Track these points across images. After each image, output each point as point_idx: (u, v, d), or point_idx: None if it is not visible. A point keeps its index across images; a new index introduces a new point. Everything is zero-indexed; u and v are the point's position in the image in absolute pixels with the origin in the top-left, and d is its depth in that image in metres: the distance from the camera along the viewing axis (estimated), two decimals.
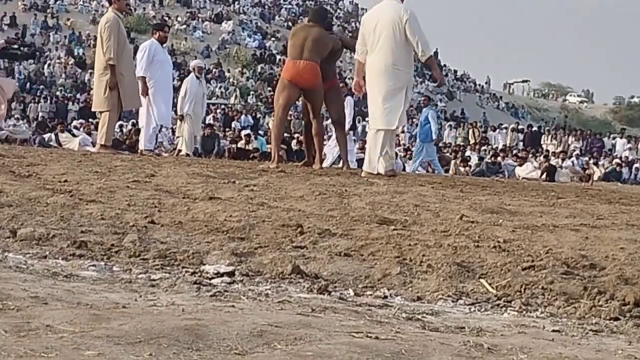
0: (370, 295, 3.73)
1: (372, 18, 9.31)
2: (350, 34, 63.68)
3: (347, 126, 16.57)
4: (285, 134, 19.63)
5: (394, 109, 9.16)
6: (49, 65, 46.69)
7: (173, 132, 28.91)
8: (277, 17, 63.82)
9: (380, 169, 9.29)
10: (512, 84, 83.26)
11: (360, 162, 22.45)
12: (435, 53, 69.26)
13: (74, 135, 23.44)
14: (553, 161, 24.57)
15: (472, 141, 34.26)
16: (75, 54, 50.41)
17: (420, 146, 19.95)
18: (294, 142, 24.27)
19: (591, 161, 28.00)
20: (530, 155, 26.16)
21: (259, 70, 52.92)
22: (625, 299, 3.61)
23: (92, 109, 13.09)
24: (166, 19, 57.86)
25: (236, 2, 63.54)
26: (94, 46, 51.29)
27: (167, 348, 2.45)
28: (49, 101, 37.06)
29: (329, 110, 10.99)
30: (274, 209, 5.81)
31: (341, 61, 55.80)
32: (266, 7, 64.92)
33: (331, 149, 16.75)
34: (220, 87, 49.58)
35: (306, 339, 2.63)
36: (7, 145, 17.28)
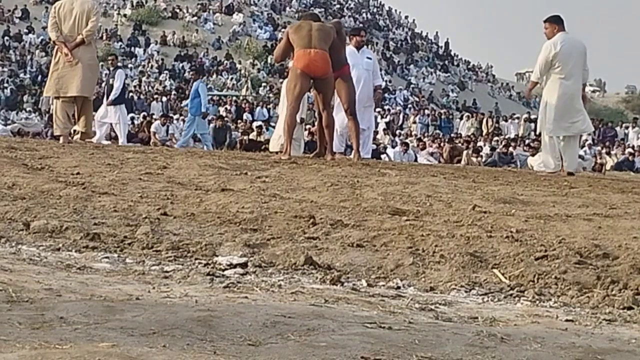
0: (383, 285, 3.74)
1: (569, 48, 10.64)
2: (361, 24, 63.80)
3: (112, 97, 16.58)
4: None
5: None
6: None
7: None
8: (288, 9, 63.71)
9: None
10: (524, 73, 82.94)
11: (373, 152, 22.43)
12: (447, 43, 69.23)
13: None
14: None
15: (485, 131, 34.18)
16: None
17: (192, 119, 19.85)
18: (305, 133, 24.23)
19: (603, 151, 27.88)
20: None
21: (270, 61, 52.89)
22: (639, 288, 3.61)
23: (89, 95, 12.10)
24: (177, 11, 57.94)
25: None
26: (108, 38, 51.47)
27: (181, 339, 2.46)
28: None
29: (340, 99, 10.95)
30: (286, 200, 5.81)
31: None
32: None
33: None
34: (232, 78, 49.57)
35: (319, 330, 2.63)
36: (19, 138, 17.31)
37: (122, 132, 16.99)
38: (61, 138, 11.18)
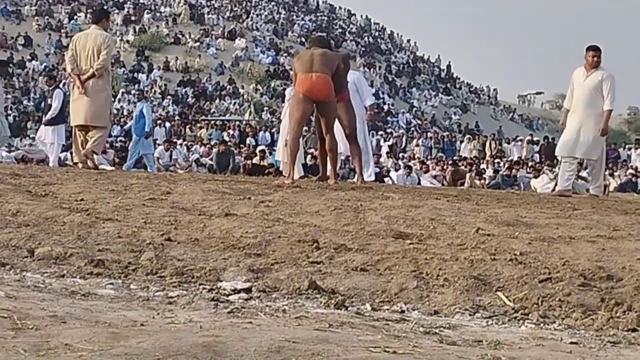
0: (387, 309, 3.73)
1: None
2: (363, 49, 64.01)
3: None
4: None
5: None
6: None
7: (188, 149, 29.12)
8: (290, 33, 63.97)
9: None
10: (526, 95, 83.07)
11: (376, 175, 22.42)
12: (448, 66, 69.39)
13: None
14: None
15: (488, 154, 34.21)
16: None
17: (137, 140, 19.99)
18: (308, 157, 24.27)
19: (607, 172, 27.83)
20: (545, 167, 26.05)
21: (272, 86, 53.03)
22: None
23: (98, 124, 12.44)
24: (180, 36, 58.15)
25: (249, 19, 63.77)
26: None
27: None
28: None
29: (341, 123, 10.98)
30: (290, 224, 5.81)
31: None
32: (279, 23, 65.10)
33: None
34: (235, 103, 49.70)
35: (324, 355, 2.63)
36: (23, 165, 17.32)
37: (54, 153, 16.96)
38: (80, 164, 11.85)
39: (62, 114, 16.96)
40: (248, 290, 3.94)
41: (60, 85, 17.65)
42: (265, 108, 48.96)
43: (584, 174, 24.94)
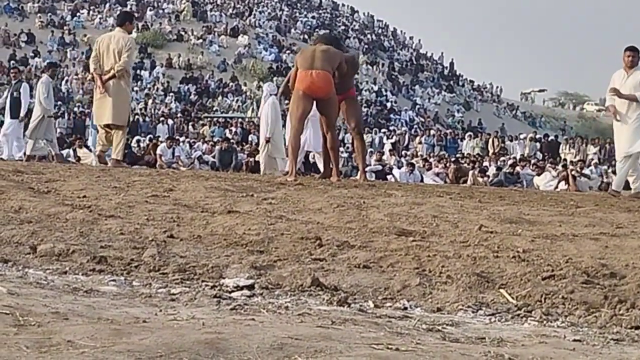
0: (390, 306, 3.73)
1: None
2: (366, 46, 63.92)
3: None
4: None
5: None
6: (67, 81, 46.91)
7: (191, 146, 29.12)
8: (292, 30, 63.91)
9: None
10: (529, 93, 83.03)
11: (377, 173, 22.42)
12: (451, 64, 69.18)
13: (91, 151, 23.39)
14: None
15: (491, 151, 34.20)
16: None
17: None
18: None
19: (610, 170, 27.81)
20: (548, 165, 26.04)
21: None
22: None
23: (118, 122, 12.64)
24: (182, 33, 58.14)
25: (252, 16, 63.73)
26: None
27: None
28: (66, 117, 37.16)
29: (347, 120, 11.00)
30: (293, 221, 5.81)
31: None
32: (282, 20, 65.05)
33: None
34: (237, 100, 49.67)
35: (326, 352, 2.63)
36: (25, 161, 17.32)
37: (10, 146, 16.88)
38: (99, 157, 13.04)
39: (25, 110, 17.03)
40: (251, 287, 3.94)
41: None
42: None
43: (586, 171, 24.95)
